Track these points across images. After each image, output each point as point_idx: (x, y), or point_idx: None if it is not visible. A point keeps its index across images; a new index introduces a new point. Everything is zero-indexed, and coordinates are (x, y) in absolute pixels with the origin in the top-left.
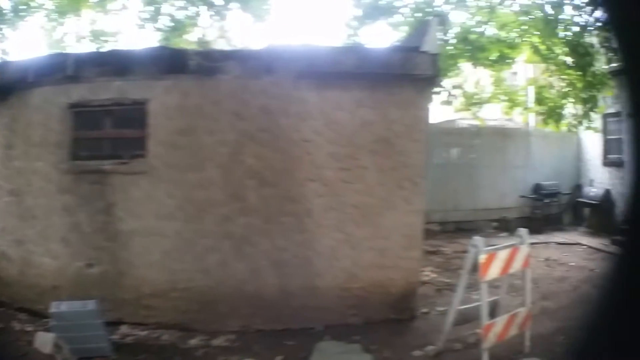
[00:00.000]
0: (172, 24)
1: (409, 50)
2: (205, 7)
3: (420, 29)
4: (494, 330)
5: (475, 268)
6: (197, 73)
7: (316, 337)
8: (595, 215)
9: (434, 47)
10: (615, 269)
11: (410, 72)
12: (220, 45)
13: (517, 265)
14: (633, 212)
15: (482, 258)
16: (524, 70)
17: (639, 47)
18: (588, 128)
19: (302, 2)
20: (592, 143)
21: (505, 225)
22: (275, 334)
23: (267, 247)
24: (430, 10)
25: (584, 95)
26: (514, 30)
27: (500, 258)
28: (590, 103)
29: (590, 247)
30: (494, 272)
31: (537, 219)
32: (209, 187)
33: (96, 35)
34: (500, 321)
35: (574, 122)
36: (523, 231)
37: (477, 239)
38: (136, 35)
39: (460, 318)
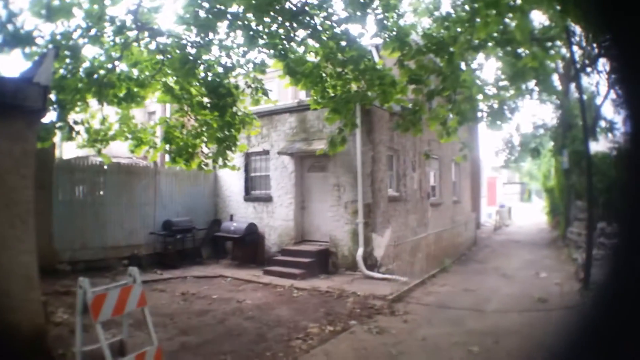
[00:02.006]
0: None
1: (20, 81)
2: None
3: (38, 60)
4: None
5: (86, 309)
6: None
7: None
8: (239, 248)
9: (46, 79)
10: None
11: (21, 103)
12: None
13: (132, 305)
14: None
15: (91, 299)
16: (163, 110)
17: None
18: (223, 166)
19: None
20: (233, 180)
21: (136, 262)
22: None
23: None
24: (66, 43)
25: (220, 134)
26: (147, 68)
27: (111, 298)
28: (227, 142)
29: (235, 278)
30: (106, 312)
31: (170, 255)
32: None
33: None
34: None
35: (206, 161)
36: (134, 270)
37: (83, 280)
38: None
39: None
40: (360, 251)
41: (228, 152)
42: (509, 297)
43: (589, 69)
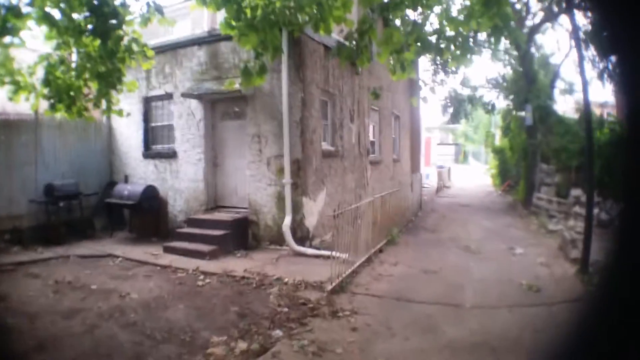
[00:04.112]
0: None
1: None
2: None
3: None
4: None
5: None
6: None
7: None
8: (136, 217)
9: None
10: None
11: None
12: None
13: None
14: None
15: None
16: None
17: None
18: (107, 112)
19: None
20: (131, 132)
21: (18, 237)
22: None
23: None
24: None
25: (101, 68)
26: None
27: None
28: (110, 78)
29: (127, 258)
30: None
31: (54, 227)
32: None
33: None
34: None
35: (85, 105)
36: None
37: None
38: None
39: None
40: (287, 220)
41: (113, 92)
42: (486, 283)
43: (549, 24)
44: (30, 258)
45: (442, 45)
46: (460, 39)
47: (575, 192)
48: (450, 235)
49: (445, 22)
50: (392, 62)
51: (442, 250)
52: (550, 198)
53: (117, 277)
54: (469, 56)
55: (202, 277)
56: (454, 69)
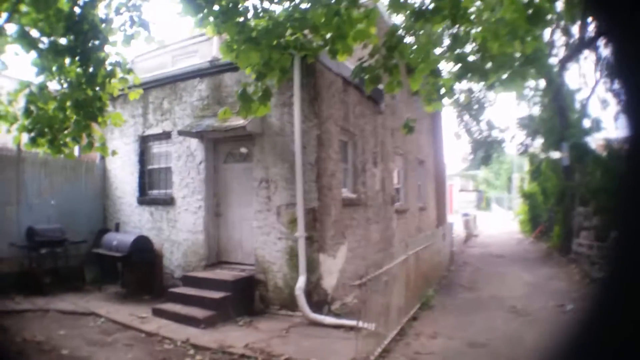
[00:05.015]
0: None
1: None
2: None
3: None
4: None
5: None
6: None
7: None
8: (128, 271)
9: None
10: None
11: None
12: None
13: None
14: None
15: None
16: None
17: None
18: (88, 149)
19: None
20: (125, 175)
21: None
22: None
23: None
24: None
25: (79, 96)
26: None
27: None
28: (89, 108)
29: (110, 320)
30: None
31: (37, 276)
32: None
33: None
34: None
35: (65, 141)
36: None
37: None
38: None
39: None
40: (301, 281)
41: (96, 126)
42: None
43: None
44: (5, 308)
45: (488, 67)
46: (507, 60)
47: (615, 234)
48: (491, 293)
49: (488, 40)
50: (426, 88)
51: (485, 313)
52: (591, 243)
53: (94, 343)
54: (519, 80)
55: (192, 352)
56: (479, 109)
